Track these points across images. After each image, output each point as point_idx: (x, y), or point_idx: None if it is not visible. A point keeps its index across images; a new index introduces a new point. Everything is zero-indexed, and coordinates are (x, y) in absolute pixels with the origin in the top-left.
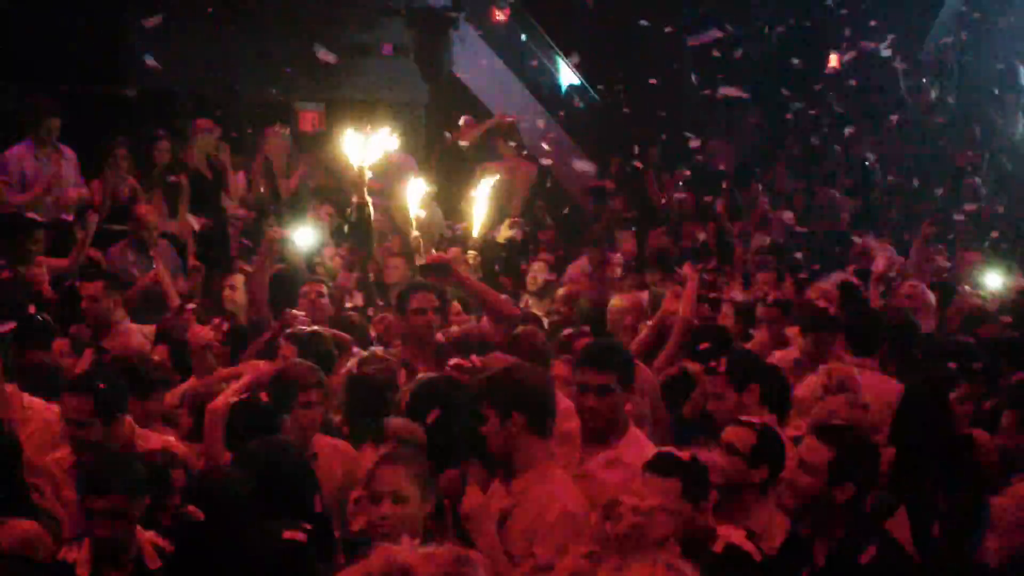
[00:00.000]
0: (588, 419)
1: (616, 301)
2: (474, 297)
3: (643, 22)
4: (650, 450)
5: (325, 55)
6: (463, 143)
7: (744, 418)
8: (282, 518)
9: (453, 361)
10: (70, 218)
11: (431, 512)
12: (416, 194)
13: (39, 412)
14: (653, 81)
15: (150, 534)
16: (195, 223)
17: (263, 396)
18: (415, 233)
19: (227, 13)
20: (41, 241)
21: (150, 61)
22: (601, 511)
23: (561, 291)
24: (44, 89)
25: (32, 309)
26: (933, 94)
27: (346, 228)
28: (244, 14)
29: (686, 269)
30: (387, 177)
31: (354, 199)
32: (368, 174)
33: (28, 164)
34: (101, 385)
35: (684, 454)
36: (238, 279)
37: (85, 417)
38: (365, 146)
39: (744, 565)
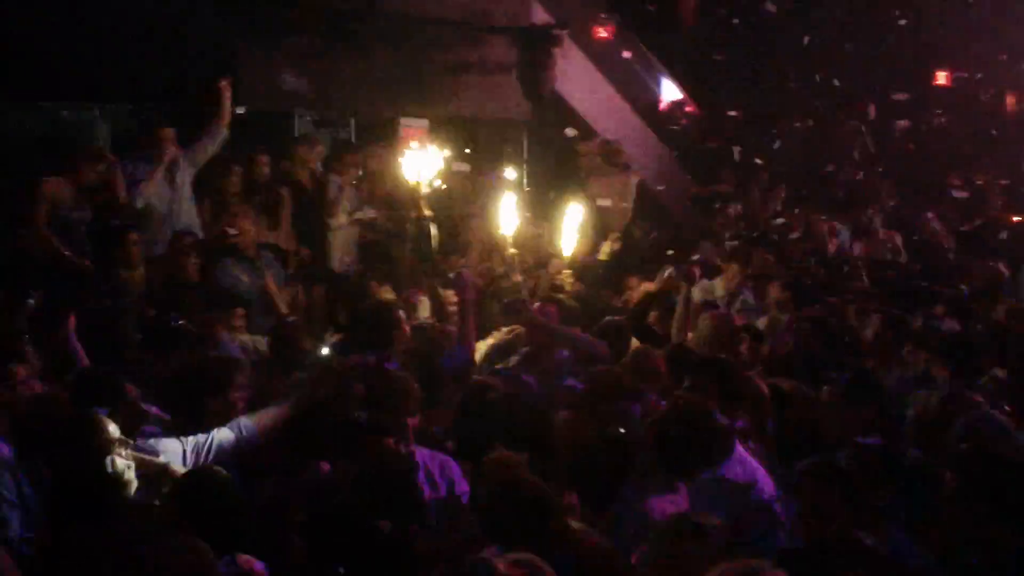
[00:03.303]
0: None
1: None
2: (552, 337)
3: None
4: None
5: None
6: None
7: (863, 440)
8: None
9: None
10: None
11: None
12: (509, 211)
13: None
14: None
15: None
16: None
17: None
18: (511, 251)
19: (333, 31)
20: (138, 243)
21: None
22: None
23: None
24: (156, 108)
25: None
26: None
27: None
28: (350, 32)
29: None
30: (482, 196)
31: (413, 214)
32: (424, 189)
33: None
34: None
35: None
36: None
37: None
38: (422, 163)
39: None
